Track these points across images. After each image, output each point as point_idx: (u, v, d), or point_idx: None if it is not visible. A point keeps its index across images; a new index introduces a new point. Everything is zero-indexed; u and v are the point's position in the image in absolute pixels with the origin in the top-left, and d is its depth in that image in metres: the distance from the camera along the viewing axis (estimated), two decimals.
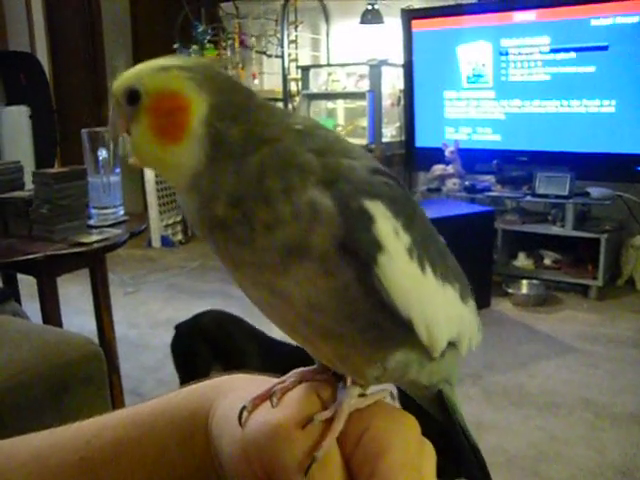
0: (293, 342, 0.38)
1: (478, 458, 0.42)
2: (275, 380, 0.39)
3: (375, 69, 4.40)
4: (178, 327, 2.10)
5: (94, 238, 1.99)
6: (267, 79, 5.20)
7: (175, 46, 4.87)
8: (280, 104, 4.62)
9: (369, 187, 0.33)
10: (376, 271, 0.33)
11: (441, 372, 0.41)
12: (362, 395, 0.37)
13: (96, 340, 2.00)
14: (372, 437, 0.34)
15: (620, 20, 3.57)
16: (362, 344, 0.36)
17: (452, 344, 0.39)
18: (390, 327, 0.35)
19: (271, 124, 0.34)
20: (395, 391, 0.40)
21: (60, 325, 1.99)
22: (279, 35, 4.79)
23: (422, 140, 4.43)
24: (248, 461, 0.35)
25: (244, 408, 0.37)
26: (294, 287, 0.33)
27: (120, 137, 0.35)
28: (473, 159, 4.08)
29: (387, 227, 0.33)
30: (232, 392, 0.41)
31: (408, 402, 0.44)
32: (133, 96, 0.34)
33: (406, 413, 0.36)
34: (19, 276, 2.59)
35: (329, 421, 0.35)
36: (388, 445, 0.33)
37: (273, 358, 1.97)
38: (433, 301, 0.36)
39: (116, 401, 2.01)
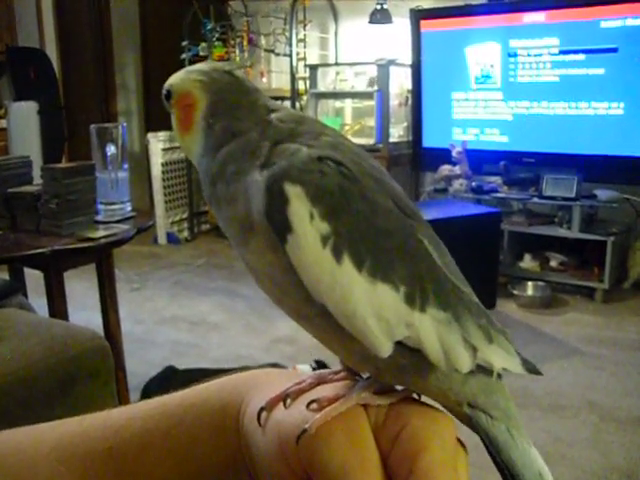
0: None
1: None
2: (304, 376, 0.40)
3: (383, 69, 4.39)
4: (148, 387, 2.30)
5: (101, 233, 1.99)
6: (275, 78, 5.20)
7: (183, 44, 4.88)
8: (288, 103, 4.63)
9: (298, 172, 0.35)
10: (286, 249, 0.34)
11: (455, 391, 0.37)
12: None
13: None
14: (410, 435, 0.33)
15: (630, 22, 3.56)
16: (332, 331, 0.35)
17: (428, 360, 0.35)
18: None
19: (246, 120, 0.39)
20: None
21: (66, 320, 1.99)
22: (287, 34, 4.79)
23: (429, 140, 4.43)
24: (285, 457, 0.35)
25: (262, 409, 0.37)
26: (255, 260, 0.37)
27: None
28: (480, 160, 4.07)
29: (300, 211, 0.34)
30: (265, 387, 0.40)
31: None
32: (168, 94, 0.42)
33: (443, 412, 0.35)
34: (26, 270, 2.60)
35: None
36: (427, 443, 0.33)
37: None
38: (351, 294, 0.34)
39: (121, 397, 2.01)
